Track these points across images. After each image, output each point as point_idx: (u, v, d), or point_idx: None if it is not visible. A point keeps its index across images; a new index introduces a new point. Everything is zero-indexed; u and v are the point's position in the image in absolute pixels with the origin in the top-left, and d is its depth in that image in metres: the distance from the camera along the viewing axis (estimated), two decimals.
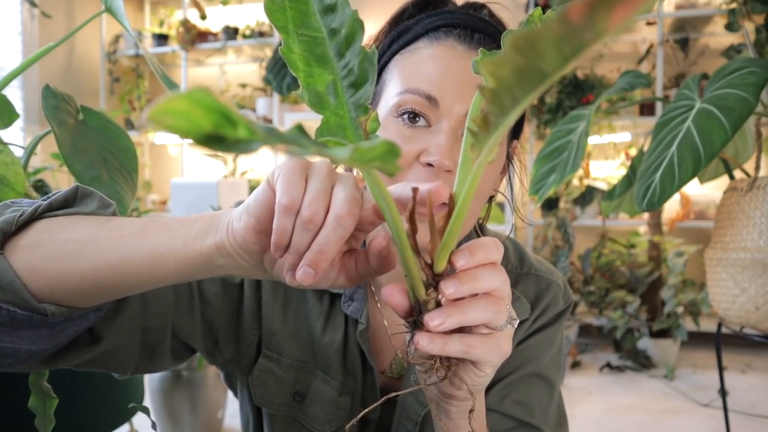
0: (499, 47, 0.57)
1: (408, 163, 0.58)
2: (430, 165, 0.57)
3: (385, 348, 0.70)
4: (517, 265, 0.73)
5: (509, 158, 0.70)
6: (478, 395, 0.48)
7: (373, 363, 0.67)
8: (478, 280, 0.41)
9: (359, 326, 0.66)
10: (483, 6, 0.68)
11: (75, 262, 0.45)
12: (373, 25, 0.62)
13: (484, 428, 0.54)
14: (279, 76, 3.42)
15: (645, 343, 2.94)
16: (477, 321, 0.41)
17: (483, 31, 0.62)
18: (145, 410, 0.60)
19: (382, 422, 0.70)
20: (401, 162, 0.57)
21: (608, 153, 3.45)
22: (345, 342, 0.68)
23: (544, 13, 0.40)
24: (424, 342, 0.40)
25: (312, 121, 3.65)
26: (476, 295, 0.42)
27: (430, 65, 0.59)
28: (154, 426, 0.59)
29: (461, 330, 0.42)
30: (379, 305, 0.70)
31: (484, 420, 0.54)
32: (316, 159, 0.38)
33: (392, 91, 0.61)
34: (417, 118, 0.58)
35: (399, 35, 0.64)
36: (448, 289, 0.40)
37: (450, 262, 0.41)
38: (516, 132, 0.69)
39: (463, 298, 0.41)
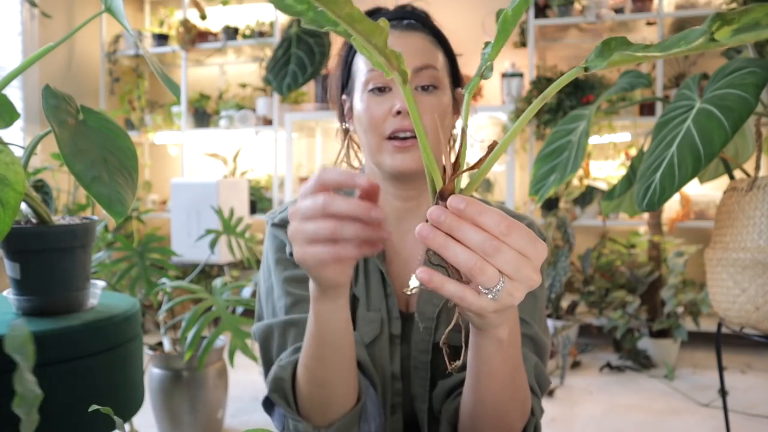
0: (421, 24, 0.87)
1: (385, 118, 0.82)
2: (398, 112, 0.80)
3: (400, 271, 0.89)
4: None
5: (457, 101, 0.90)
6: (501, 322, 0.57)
7: (390, 282, 0.86)
8: (481, 214, 0.48)
9: (376, 251, 0.78)
10: (406, 5, 0.94)
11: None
12: None
13: (518, 353, 0.65)
14: (279, 76, 3.42)
15: (645, 343, 2.94)
16: (468, 242, 0.48)
17: (408, 17, 0.88)
18: (118, 422, 0.60)
19: (405, 335, 0.86)
20: (381, 117, 0.82)
21: (608, 153, 3.45)
22: (365, 268, 0.87)
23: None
24: (424, 276, 0.50)
25: (312, 121, 3.65)
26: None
27: None
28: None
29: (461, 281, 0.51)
30: (394, 248, 0.89)
31: (519, 358, 0.66)
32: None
33: (360, 76, 0.85)
34: (383, 90, 0.83)
35: (351, 46, 0.86)
36: (454, 199, 0.49)
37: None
38: (456, 81, 0.91)
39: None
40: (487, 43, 0.52)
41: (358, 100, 0.85)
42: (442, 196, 0.51)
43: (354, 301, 0.87)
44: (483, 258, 0.48)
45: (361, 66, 0.86)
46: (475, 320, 0.56)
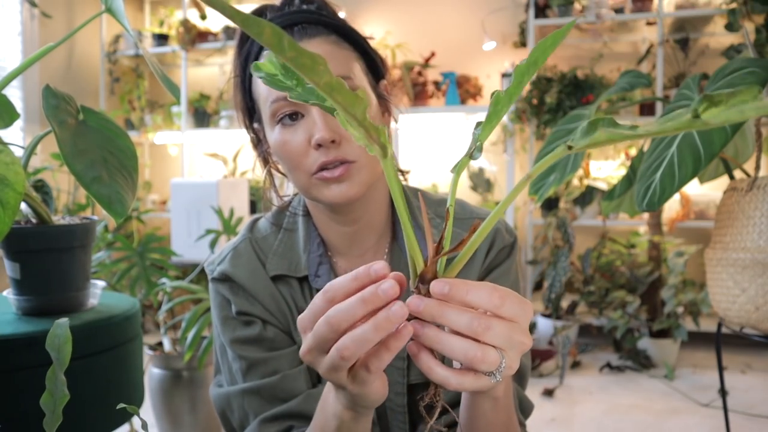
0: (315, 24, 0.73)
1: (305, 151, 0.70)
2: (319, 145, 0.69)
3: None
4: (459, 211, 0.83)
5: (384, 97, 0.79)
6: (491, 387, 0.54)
7: None
8: (468, 293, 0.45)
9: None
10: (290, 1, 0.78)
11: None
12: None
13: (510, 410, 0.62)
14: None
15: (645, 343, 2.94)
16: (457, 327, 0.45)
17: (297, 21, 0.73)
18: (135, 411, 0.61)
19: None
20: (302, 151, 0.70)
21: (608, 153, 3.45)
22: None
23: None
24: (413, 350, 0.47)
25: None
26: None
27: None
28: (144, 426, 0.59)
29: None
30: (345, 272, 0.79)
31: (512, 406, 0.62)
32: None
33: (264, 105, 0.73)
34: (294, 116, 0.71)
35: (246, 59, 0.75)
36: (436, 284, 0.46)
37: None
38: (376, 74, 0.79)
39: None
40: (478, 124, 0.47)
41: (269, 132, 0.74)
42: (422, 280, 0.47)
43: None
44: (477, 341, 0.45)
45: (262, 92, 0.73)
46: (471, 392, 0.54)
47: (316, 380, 0.79)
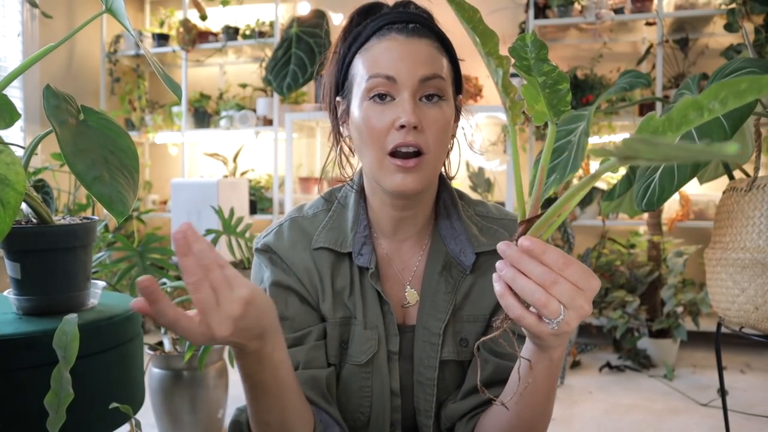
0: (427, 29, 0.81)
1: (387, 131, 0.77)
2: (402, 126, 0.76)
3: (394, 286, 0.88)
4: (495, 212, 0.93)
5: (458, 109, 0.88)
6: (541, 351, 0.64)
7: (388, 299, 0.85)
8: (544, 252, 0.56)
9: (370, 271, 0.85)
10: (409, 2, 0.88)
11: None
12: None
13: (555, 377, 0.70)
14: (279, 77, 3.42)
15: (645, 343, 2.94)
16: (530, 274, 0.56)
17: (414, 20, 0.82)
18: (128, 411, 0.61)
19: (403, 351, 0.85)
20: (384, 129, 0.77)
21: None
22: (360, 286, 0.85)
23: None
24: (498, 288, 0.58)
25: (312, 121, 3.65)
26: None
27: (384, 54, 0.78)
28: (138, 425, 0.60)
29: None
30: (388, 255, 0.89)
31: (556, 382, 0.71)
32: None
33: (360, 81, 0.79)
34: (384, 97, 0.77)
35: (354, 39, 0.83)
36: (523, 240, 0.57)
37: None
38: (458, 87, 0.87)
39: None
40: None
41: (356, 107, 0.80)
42: (518, 237, 0.59)
43: (349, 320, 0.86)
44: (545, 290, 0.55)
45: (360, 69, 0.80)
46: (535, 340, 0.63)
47: (336, 361, 0.86)
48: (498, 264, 0.58)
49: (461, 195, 0.94)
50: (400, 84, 0.77)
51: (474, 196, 3.61)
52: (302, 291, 0.85)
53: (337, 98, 0.87)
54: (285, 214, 0.96)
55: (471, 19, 0.55)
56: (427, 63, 0.77)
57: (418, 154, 0.77)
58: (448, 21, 0.86)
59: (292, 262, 0.86)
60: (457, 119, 0.88)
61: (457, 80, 0.86)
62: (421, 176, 0.78)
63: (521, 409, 0.72)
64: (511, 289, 0.58)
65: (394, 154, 0.77)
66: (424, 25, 0.82)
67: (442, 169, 0.90)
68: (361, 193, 0.90)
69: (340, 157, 0.91)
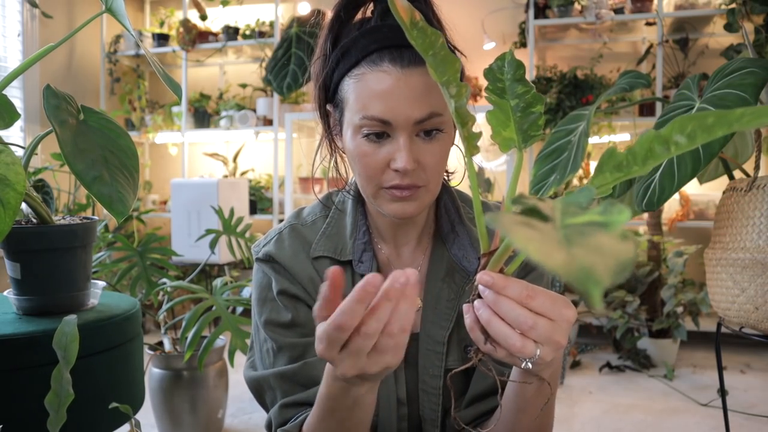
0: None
1: (383, 169, 0.74)
2: (397, 170, 0.73)
3: None
4: (494, 211, 0.89)
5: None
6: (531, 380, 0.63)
7: None
8: (505, 287, 0.53)
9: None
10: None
11: None
12: None
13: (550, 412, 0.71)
14: (279, 77, 3.42)
15: (644, 343, 2.94)
16: (506, 319, 0.53)
17: (409, 44, 0.69)
18: (127, 411, 0.61)
19: (409, 359, 0.83)
20: (379, 168, 0.74)
21: None
22: None
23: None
24: (483, 278, 0.54)
25: (312, 121, 3.65)
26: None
27: (377, 93, 0.72)
28: (137, 425, 0.60)
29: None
30: (389, 259, 0.87)
31: (554, 396, 0.69)
32: None
33: (353, 114, 0.74)
34: (380, 135, 0.73)
35: (343, 55, 0.76)
36: (482, 275, 0.54)
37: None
38: None
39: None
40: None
41: (349, 137, 0.76)
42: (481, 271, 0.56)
43: None
44: (521, 334, 0.53)
45: (351, 97, 0.75)
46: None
47: None
48: (476, 302, 0.56)
49: (463, 197, 0.92)
50: (395, 125, 0.72)
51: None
52: (308, 299, 0.84)
53: (328, 106, 0.82)
54: (285, 215, 0.94)
55: (433, 44, 0.51)
56: (424, 100, 0.71)
57: (415, 188, 0.75)
58: (450, 15, 0.81)
59: (295, 271, 0.84)
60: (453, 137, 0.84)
61: None
62: (419, 202, 0.77)
63: (516, 427, 0.71)
64: (480, 322, 0.55)
65: (390, 188, 0.75)
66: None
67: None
68: (358, 198, 0.88)
69: (337, 164, 0.88)
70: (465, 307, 0.57)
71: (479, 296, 0.56)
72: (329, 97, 0.80)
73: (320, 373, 0.79)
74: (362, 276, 0.82)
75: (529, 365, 0.55)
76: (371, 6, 0.79)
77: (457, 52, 0.80)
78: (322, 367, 0.79)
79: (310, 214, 0.90)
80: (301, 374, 0.80)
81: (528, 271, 0.86)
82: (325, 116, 0.83)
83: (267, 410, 0.84)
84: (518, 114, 0.57)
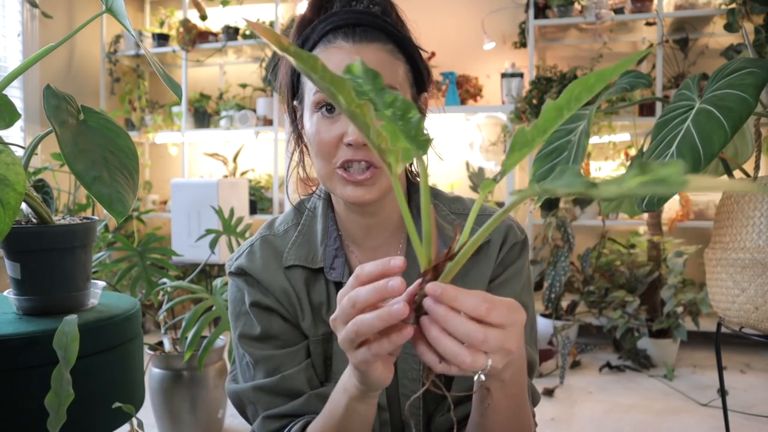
0: (377, 29, 0.75)
1: (336, 145, 0.75)
2: (350, 144, 0.73)
3: None
4: (469, 207, 0.88)
5: (422, 112, 0.83)
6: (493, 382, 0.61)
7: None
8: (456, 298, 0.50)
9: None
10: None
11: None
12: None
13: (523, 400, 0.69)
14: None
15: (645, 343, 2.94)
16: (455, 332, 0.50)
17: (362, 22, 0.76)
18: (130, 410, 0.61)
19: None
20: (332, 144, 0.74)
21: (608, 153, 3.46)
22: (334, 301, 0.82)
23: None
24: (433, 288, 0.51)
25: None
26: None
27: (329, 66, 0.69)
28: (140, 425, 0.60)
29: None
30: (360, 262, 0.85)
31: (523, 394, 0.69)
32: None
33: (309, 92, 0.77)
34: (332, 110, 0.74)
35: (303, 43, 0.79)
36: (430, 287, 0.51)
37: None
38: (421, 87, 0.82)
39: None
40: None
41: (308, 118, 0.78)
42: (426, 281, 0.53)
43: (330, 336, 0.83)
44: (472, 349, 0.50)
45: (308, 80, 0.77)
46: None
47: (322, 378, 0.84)
48: (424, 320, 0.52)
49: (436, 194, 0.91)
50: None
51: (474, 196, 3.62)
52: (282, 311, 0.83)
53: (294, 102, 0.84)
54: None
55: (315, 68, 0.47)
56: None
57: (370, 166, 0.74)
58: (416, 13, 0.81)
59: (267, 283, 0.83)
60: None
61: (418, 80, 0.81)
62: (375, 188, 0.76)
63: (489, 428, 0.70)
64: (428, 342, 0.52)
65: (344, 167, 0.75)
66: (374, 26, 0.77)
67: (409, 170, 0.89)
68: (328, 201, 0.88)
69: (303, 161, 0.89)
70: (410, 329, 0.52)
71: (425, 312, 0.52)
72: (294, 93, 0.83)
73: (299, 385, 0.81)
74: (335, 284, 0.83)
75: (482, 377, 0.53)
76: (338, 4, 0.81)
77: (420, 50, 0.82)
78: (300, 379, 0.81)
79: (282, 224, 0.90)
80: (280, 386, 0.81)
81: (505, 266, 0.85)
82: (292, 113, 0.85)
83: (250, 423, 0.84)
84: (399, 123, 0.54)
